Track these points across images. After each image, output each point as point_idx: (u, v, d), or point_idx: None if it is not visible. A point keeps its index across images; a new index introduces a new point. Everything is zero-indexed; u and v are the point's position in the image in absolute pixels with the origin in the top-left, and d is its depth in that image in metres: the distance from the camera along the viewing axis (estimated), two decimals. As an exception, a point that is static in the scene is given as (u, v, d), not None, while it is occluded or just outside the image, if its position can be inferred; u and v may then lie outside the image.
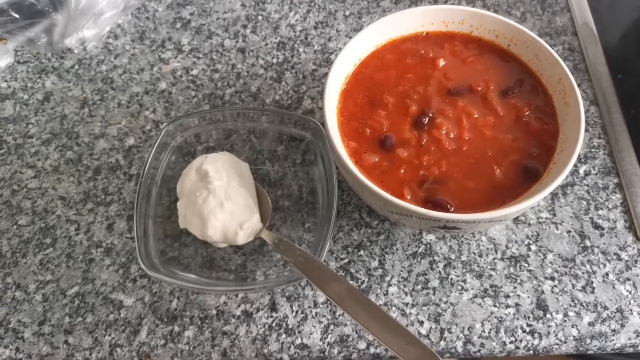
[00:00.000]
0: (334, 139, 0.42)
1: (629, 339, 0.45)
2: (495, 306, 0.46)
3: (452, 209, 0.41)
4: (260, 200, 0.48)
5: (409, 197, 0.41)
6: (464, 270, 0.48)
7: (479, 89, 0.46)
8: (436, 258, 0.48)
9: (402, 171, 0.42)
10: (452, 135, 0.44)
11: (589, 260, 0.48)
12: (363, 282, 0.47)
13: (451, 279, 0.47)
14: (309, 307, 0.46)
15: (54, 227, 0.50)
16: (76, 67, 0.60)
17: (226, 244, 0.47)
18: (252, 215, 0.46)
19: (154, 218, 0.47)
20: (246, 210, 0.46)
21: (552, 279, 0.47)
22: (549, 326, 0.45)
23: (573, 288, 0.47)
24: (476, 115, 0.45)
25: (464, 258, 0.48)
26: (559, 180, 0.39)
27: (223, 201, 0.45)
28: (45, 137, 0.55)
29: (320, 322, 0.45)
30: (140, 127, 0.55)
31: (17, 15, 0.57)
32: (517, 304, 0.46)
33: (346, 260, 0.48)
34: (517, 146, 0.43)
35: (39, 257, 0.48)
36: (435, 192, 0.42)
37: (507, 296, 0.46)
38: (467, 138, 0.44)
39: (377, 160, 0.43)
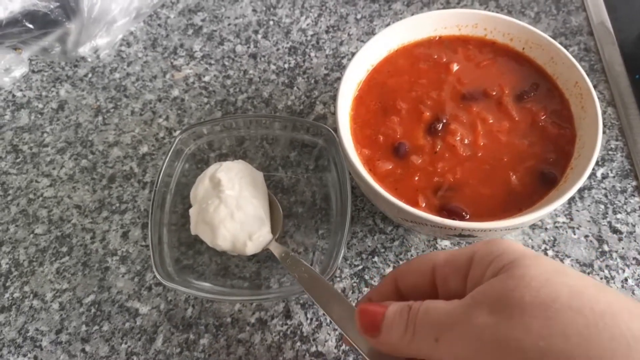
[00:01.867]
0: (347, 147, 0.42)
1: (650, 346, 0.44)
2: (511, 313, 0.45)
3: (468, 217, 0.40)
4: (272, 210, 0.48)
5: (423, 205, 0.41)
6: (480, 276, 0.47)
7: (494, 93, 0.45)
8: (451, 264, 0.48)
9: (417, 178, 0.42)
10: (466, 141, 0.43)
11: (607, 266, 0.47)
12: (378, 289, 0.47)
13: (467, 286, 0.47)
14: (324, 314, 0.46)
15: (69, 236, 0.50)
16: (90, 75, 0.60)
17: (236, 253, 0.47)
18: (262, 227, 0.46)
19: (168, 226, 0.48)
20: (256, 221, 0.46)
21: (570, 284, 0.46)
22: (567, 333, 0.44)
23: (591, 294, 0.46)
24: (491, 121, 0.44)
25: (479, 264, 0.48)
26: (576, 187, 0.38)
27: (234, 211, 0.45)
28: (60, 145, 0.55)
29: (335, 330, 0.45)
30: (154, 135, 0.56)
31: (31, 26, 0.58)
32: (534, 311, 0.45)
33: (360, 267, 0.48)
34: (533, 152, 0.43)
35: (55, 266, 0.49)
36: (450, 199, 0.41)
37: (524, 303, 0.46)
38: (482, 144, 0.43)
39: (391, 167, 0.43)
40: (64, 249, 0.50)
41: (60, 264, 0.49)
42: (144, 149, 0.55)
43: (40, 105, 0.58)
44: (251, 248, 0.45)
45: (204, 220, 0.46)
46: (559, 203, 0.38)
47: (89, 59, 0.61)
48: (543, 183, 0.41)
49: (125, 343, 0.45)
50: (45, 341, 0.45)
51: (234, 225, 0.45)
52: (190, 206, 0.50)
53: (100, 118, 0.57)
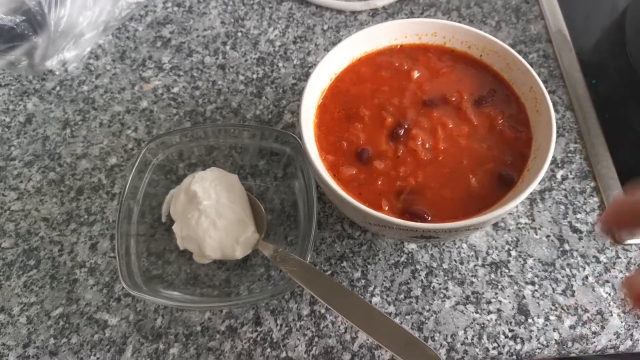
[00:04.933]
0: (311, 153, 0.42)
1: (610, 340, 0.45)
2: (477, 313, 0.46)
3: (430, 219, 0.41)
4: (254, 210, 0.49)
5: (386, 209, 0.42)
6: (446, 278, 0.48)
7: (453, 99, 0.47)
8: (418, 267, 0.49)
9: (380, 183, 0.43)
10: (427, 146, 0.44)
11: (568, 264, 0.49)
12: (346, 293, 0.47)
13: (433, 287, 0.48)
14: (293, 320, 0.46)
15: (37, 249, 0.50)
16: (57, 88, 0.60)
17: (227, 259, 0.47)
18: (246, 228, 0.47)
19: (136, 237, 0.48)
20: (239, 225, 0.47)
21: (533, 283, 0.48)
22: (531, 331, 0.46)
23: (553, 292, 0.47)
24: (451, 125, 0.45)
25: (445, 266, 0.49)
26: (532, 187, 0.40)
27: (215, 220, 0.46)
28: (28, 159, 0.55)
29: (304, 335, 0.46)
30: (122, 146, 0.56)
31: (-4, 40, 0.58)
32: (498, 310, 0.47)
33: (329, 272, 0.48)
34: (492, 155, 0.44)
35: (22, 279, 0.48)
36: (412, 202, 0.42)
37: (489, 302, 0.47)
38: (442, 148, 0.44)
39: (354, 172, 0.44)
40: (32, 262, 0.49)
41: (28, 277, 0.49)
42: (113, 160, 0.55)
43: (7, 119, 0.58)
44: (240, 251, 0.46)
45: (188, 234, 0.46)
46: (515, 203, 0.39)
47: (57, 72, 0.61)
48: (501, 184, 0.43)
49: (94, 355, 0.45)
50: (12, 356, 0.45)
51: (218, 233, 0.46)
52: (159, 216, 0.50)
53: (68, 131, 0.57)
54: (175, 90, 0.60)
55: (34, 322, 0.46)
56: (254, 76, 0.61)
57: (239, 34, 0.64)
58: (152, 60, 0.62)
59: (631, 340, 0.46)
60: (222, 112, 0.58)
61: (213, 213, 0.46)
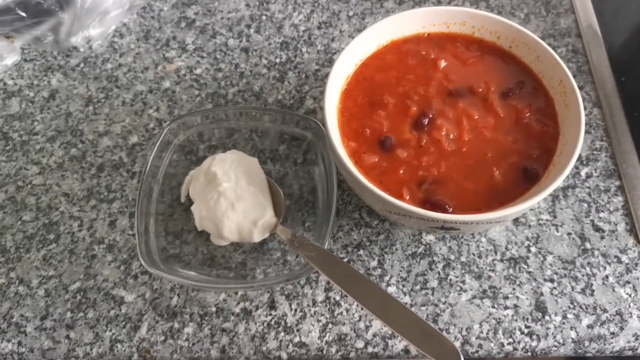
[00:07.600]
0: (334, 139, 0.42)
1: (628, 342, 0.45)
2: (493, 307, 0.46)
3: (451, 210, 0.41)
4: (273, 194, 0.49)
5: (407, 198, 0.41)
6: (463, 271, 0.48)
7: (480, 90, 0.46)
8: (435, 259, 0.48)
9: (402, 172, 0.43)
10: (451, 137, 0.44)
11: (589, 263, 0.48)
12: (362, 281, 0.47)
13: (450, 280, 0.47)
14: (308, 305, 0.46)
15: (57, 223, 0.50)
16: (82, 65, 0.60)
17: (244, 242, 0.47)
18: (265, 212, 0.46)
19: (155, 216, 0.48)
20: (258, 208, 0.46)
21: (552, 280, 0.47)
22: (548, 328, 0.45)
23: (572, 290, 0.47)
24: (476, 117, 0.45)
25: (463, 259, 0.48)
26: (557, 183, 0.39)
27: (234, 202, 0.46)
28: (50, 134, 0.56)
29: (318, 321, 0.46)
30: (144, 125, 0.56)
31: (24, 14, 0.58)
32: (515, 306, 0.46)
33: (345, 260, 0.48)
34: (517, 148, 0.43)
35: (42, 253, 0.49)
36: (434, 192, 0.42)
37: (506, 297, 0.46)
38: (466, 139, 0.44)
39: (376, 160, 0.43)
40: (51, 237, 0.50)
41: (47, 251, 0.49)
42: (134, 139, 0.55)
43: (32, 94, 0.58)
44: (257, 234, 0.46)
45: (207, 215, 0.46)
46: (539, 198, 0.38)
47: (81, 49, 0.61)
48: (526, 179, 0.42)
49: (110, 330, 0.45)
50: (30, 327, 0.46)
51: (237, 215, 0.45)
52: (178, 197, 0.50)
53: (91, 108, 0.57)
54: (198, 71, 0.60)
55: (52, 295, 0.47)
56: (277, 60, 0.60)
57: (264, 17, 0.64)
58: (175, 40, 0.62)
59: (650, 342, 0.45)
60: (244, 95, 0.58)
61: (232, 195, 0.46)
